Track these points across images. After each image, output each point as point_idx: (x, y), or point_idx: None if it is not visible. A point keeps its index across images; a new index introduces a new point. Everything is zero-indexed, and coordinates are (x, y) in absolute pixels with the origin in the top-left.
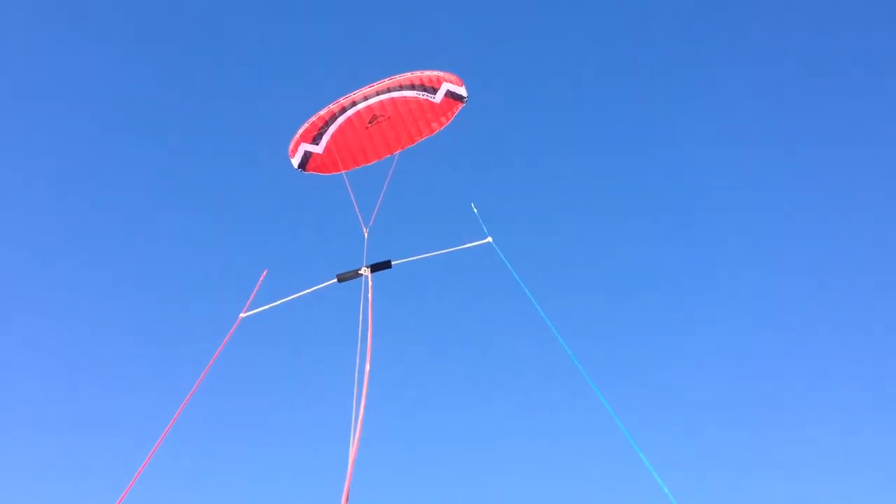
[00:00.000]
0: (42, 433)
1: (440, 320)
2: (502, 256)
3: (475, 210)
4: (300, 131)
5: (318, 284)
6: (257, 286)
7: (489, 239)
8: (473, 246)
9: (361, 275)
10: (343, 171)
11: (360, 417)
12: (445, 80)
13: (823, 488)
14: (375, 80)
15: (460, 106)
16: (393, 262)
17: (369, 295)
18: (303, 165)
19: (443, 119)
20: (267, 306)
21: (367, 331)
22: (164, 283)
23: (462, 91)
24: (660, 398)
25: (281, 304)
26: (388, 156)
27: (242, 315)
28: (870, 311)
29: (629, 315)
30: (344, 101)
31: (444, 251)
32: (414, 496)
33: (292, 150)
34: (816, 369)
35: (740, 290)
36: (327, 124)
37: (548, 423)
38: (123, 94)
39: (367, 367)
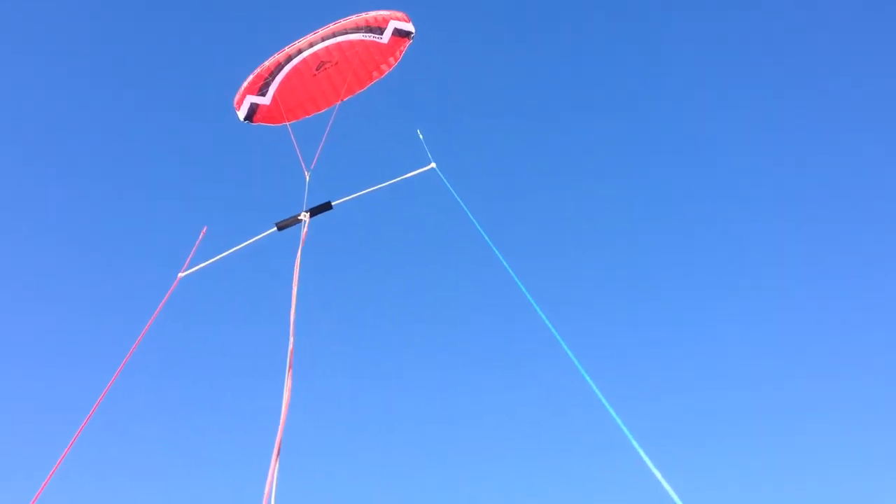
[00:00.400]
0: None
1: (387, 260)
2: (445, 181)
3: (420, 136)
4: (245, 83)
5: (258, 235)
6: (196, 244)
7: (433, 164)
8: (417, 174)
9: (301, 220)
10: (290, 122)
11: (288, 382)
12: (392, 19)
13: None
14: (321, 27)
15: (408, 43)
16: (333, 203)
17: (301, 241)
18: (249, 117)
19: (391, 59)
20: (205, 263)
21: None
22: (96, 246)
23: (409, 27)
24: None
25: (220, 258)
26: (338, 103)
27: (181, 274)
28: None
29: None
30: (289, 49)
31: (386, 184)
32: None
33: (238, 103)
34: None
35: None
36: (273, 74)
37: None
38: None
39: (292, 325)
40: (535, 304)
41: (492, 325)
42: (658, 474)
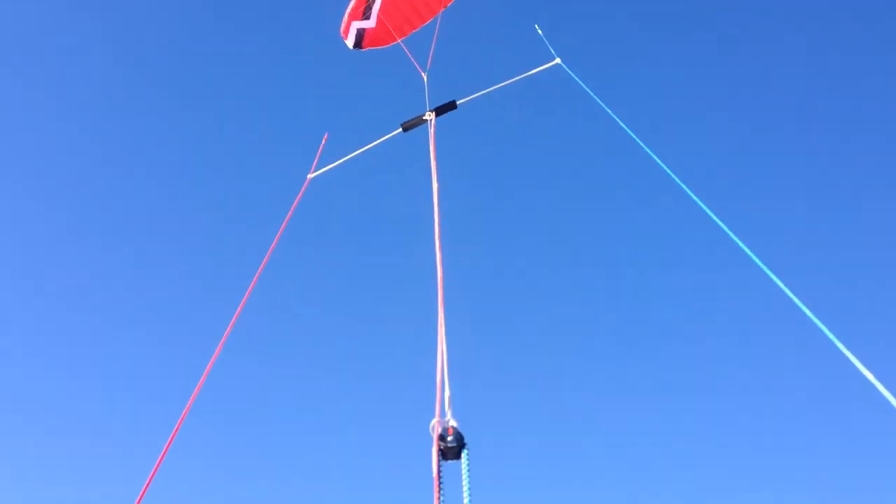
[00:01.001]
0: None
1: (514, 158)
2: (573, 75)
3: (539, 31)
4: (348, 9)
5: (383, 136)
6: (320, 149)
7: (557, 60)
8: (541, 70)
9: (426, 120)
10: (400, 40)
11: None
12: None
13: None
14: None
15: None
16: (458, 102)
17: (431, 142)
18: (358, 44)
19: None
20: (333, 164)
21: (432, 183)
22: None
23: None
24: None
25: (348, 159)
26: (441, 9)
27: (310, 176)
28: None
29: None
30: None
31: (509, 81)
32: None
33: (344, 31)
34: None
35: None
36: None
37: None
38: None
39: (437, 225)
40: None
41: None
42: None
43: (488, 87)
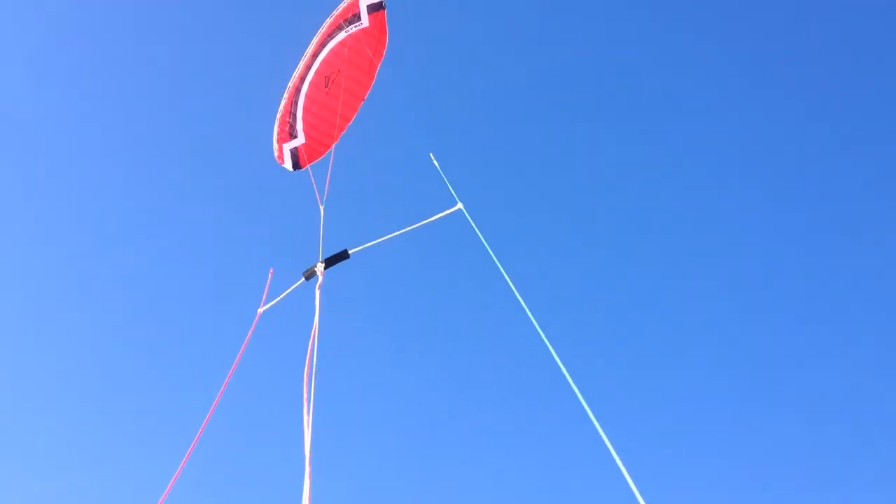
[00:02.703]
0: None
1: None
2: (472, 223)
3: (435, 163)
4: (274, 135)
5: (293, 285)
6: (267, 284)
7: (459, 205)
8: (442, 217)
9: (316, 273)
10: (332, 147)
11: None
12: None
13: None
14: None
15: (384, 13)
16: (350, 251)
17: (316, 302)
18: (297, 165)
19: (380, 37)
20: (277, 298)
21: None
22: None
23: None
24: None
25: (285, 296)
26: (361, 104)
27: (260, 310)
28: None
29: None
30: (293, 81)
31: (407, 229)
32: None
33: (279, 156)
34: None
35: None
36: (293, 114)
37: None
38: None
39: (308, 404)
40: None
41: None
42: None
43: (382, 236)
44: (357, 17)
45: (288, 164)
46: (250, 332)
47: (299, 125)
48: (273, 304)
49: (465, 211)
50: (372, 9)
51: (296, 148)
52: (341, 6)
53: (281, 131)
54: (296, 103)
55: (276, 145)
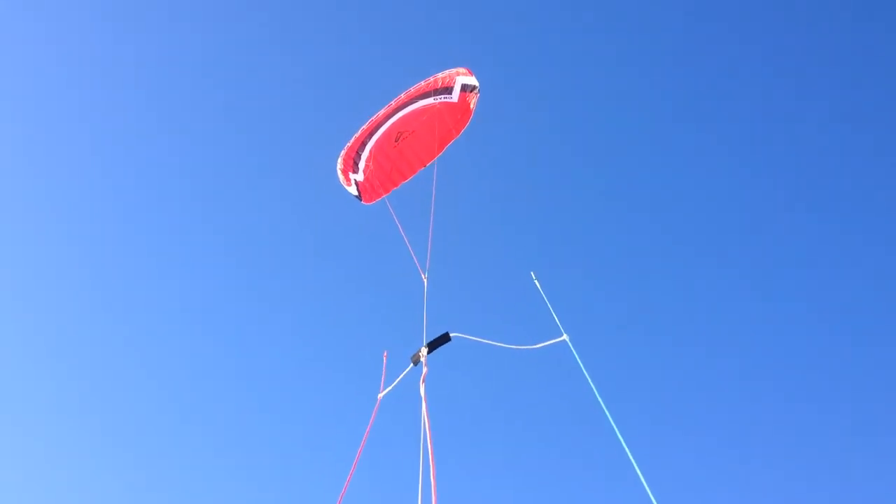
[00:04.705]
0: None
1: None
2: (576, 355)
3: (536, 281)
4: (342, 153)
5: (404, 371)
6: (384, 368)
7: (564, 337)
8: (546, 346)
9: (421, 358)
10: (384, 196)
11: None
12: (457, 75)
13: None
14: (393, 98)
15: (476, 97)
16: (452, 335)
17: (421, 390)
18: (360, 198)
19: (464, 115)
20: (393, 384)
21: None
22: None
23: (473, 80)
24: None
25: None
26: (421, 169)
27: (380, 396)
28: None
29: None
30: (368, 125)
31: (512, 347)
32: None
33: (345, 179)
34: None
35: None
36: (359, 152)
37: None
38: None
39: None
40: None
41: None
42: None
43: (487, 339)
44: (448, 91)
45: (352, 191)
46: (373, 416)
47: (361, 164)
48: (391, 390)
49: (570, 343)
50: (466, 88)
51: (358, 182)
52: (437, 76)
53: (347, 161)
54: (364, 144)
55: (340, 164)
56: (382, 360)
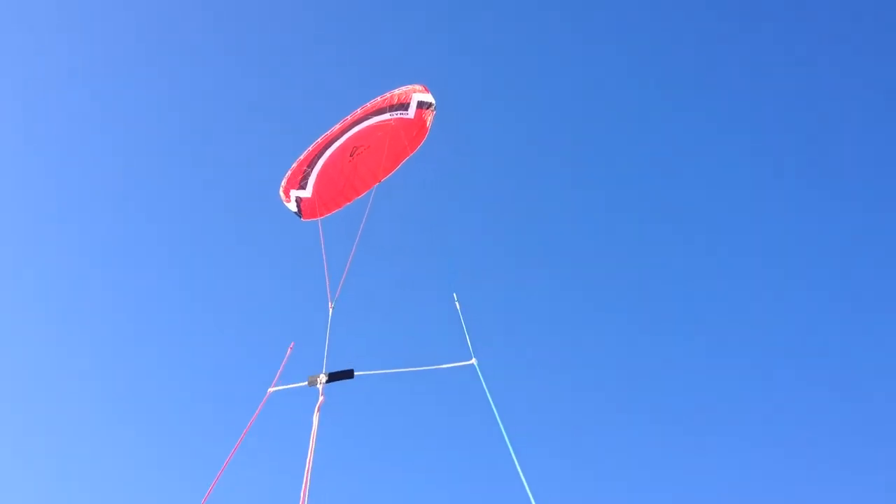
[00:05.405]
0: None
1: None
2: (482, 381)
3: (457, 303)
4: (287, 174)
5: (298, 384)
6: (284, 360)
7: (473, 361)
8: (454, 367)
9: (318, 385)
10: (328, 214)
11: None
12: (413, 92)
13: None
14: (349, 113)
15: (431, 115)
16: (356, 373)
17: (314, 417)
18: (299, 213)
19: (420, 132)
20: (291, 385)
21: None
22: None
23: (429, 98)
24: None
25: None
26: (375, 185)
27: (271, 390)
28: None
29: None
30: (322, 139)
31: (416, 369)
32: None
33: (285, 195)
34: None
35: None
36: (311, 166)
37: None
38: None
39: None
40: None
41: None
42: None
43: (390, 368)
44: (405, 107)
45: (292, 207)
46: (258, 410)
47: (311, 179)
48: (282, 389)
49: (477, 368)
50: (422, 105)
51: (300, 198)
52: (393, 92)
53: (293, 177)
54: (317, 158)
55: (284, 183)
56: (287, 351)
